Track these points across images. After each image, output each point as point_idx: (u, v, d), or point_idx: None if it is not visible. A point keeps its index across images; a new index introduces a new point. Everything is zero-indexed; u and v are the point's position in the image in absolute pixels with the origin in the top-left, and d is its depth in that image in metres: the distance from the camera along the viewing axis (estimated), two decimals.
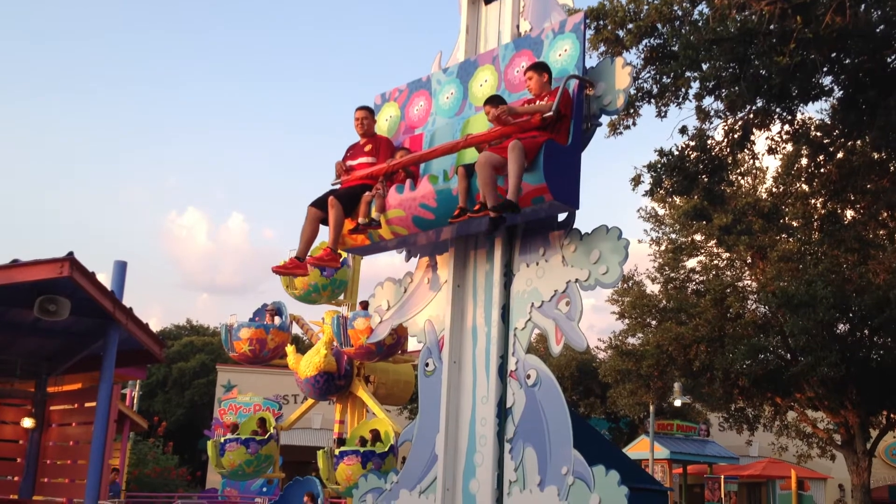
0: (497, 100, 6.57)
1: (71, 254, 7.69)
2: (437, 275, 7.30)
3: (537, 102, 6.35)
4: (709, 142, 14.99)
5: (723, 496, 28.75)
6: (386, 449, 15.61)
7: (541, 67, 6.48)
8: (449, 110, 7.34)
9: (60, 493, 9.48)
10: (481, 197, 6.08)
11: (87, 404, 9.14)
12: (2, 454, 10.14)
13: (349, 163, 7.44)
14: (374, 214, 6.84)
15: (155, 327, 10.10)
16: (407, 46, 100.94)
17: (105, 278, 8.76)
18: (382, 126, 7.82)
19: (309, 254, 7.26)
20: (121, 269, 9.52)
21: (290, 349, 17.66)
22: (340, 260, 8.06)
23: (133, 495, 23.52)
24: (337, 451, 15.81)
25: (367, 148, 7.39)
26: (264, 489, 23.43)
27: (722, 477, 29.73)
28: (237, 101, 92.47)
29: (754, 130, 14.79)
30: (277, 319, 17.44)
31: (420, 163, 7.07)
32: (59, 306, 7.77)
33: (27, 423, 9.74)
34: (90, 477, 8.08)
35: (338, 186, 7.35)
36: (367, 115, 7.57)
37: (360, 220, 6.87)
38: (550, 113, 6.15)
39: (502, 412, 6.53)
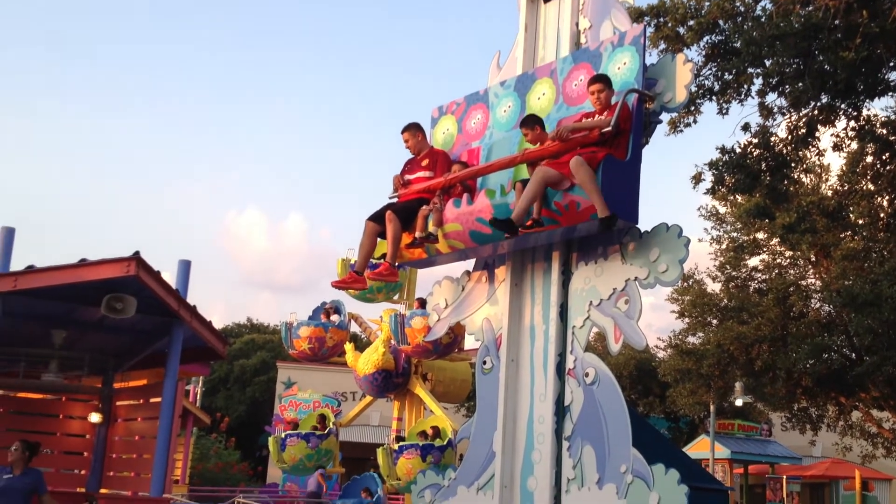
0: (532, 120, 6.59)
1: (137, 253, 7.87)
2: (495, 273, 7.32)
3: (596, 117, 6.30)
4: (772, 139, 14.75)
5: (785, 496, 28.25)
6: (445, 443, 15.69)
7: (609, 81, 6.40)
8: (506, 124, 7.32)
9: (126, 486, 9.68)
10: (535, 212, 6.12)
11: (152, 400, 9.33)
12: (69, 448, 10.41)
13: (407, 177, 7.46)
14: (431, 228, 6.87)
15: (217, 325, 10.32)
16: (472, 41, 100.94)
17: (169, 277, 8.94)
18: (439, 139, 7.83)
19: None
20: (185, 267, 9.69)
21: (348, 347, 17.83)
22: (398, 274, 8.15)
23: (196, 489, 23.93)
24: (396, 447, 15.93)
25: (425, 162, 7.39)
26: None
27: (784, 477, 29.22)
28: (295, 100, 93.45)
29: (819, 127, 14.51)
30: (336, 318, 17.63)
31: (477, 177, 7.07)
32: (125, 304, 7.95)
33: (94, 418, 9.97)
34: (155, 471, 8.26)
35: (395, 200, 7.39)
36: (411, 135, 7.57)
37: (418, 234, 6.90)
38: (609, 128, 6.10)
39: (560, 410, 6.52)
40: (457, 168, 7.17)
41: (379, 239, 7.25)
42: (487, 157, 7.26)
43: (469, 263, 7.58)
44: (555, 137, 6.28)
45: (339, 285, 7.55)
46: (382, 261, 7.28)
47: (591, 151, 6.05)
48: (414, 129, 7.60)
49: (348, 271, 16.95)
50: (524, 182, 6.27)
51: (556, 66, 7.09)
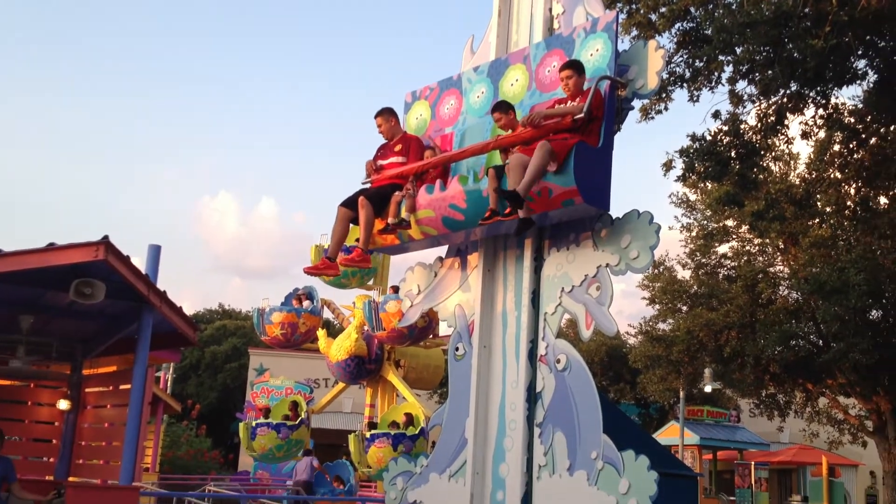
0: (503, 106, 6.59)
1: (106, 237, 7.77)
2: (468, 260, 7.31)
3: (568, 103, 6.29)
4: (742, 126, 14.86)
5: (753, 482, 28.61)
6: (417, 432, 15.70)
7: (579, 67, 6.40)
8: (479, 109, 7.29)
9: (95, 474, 9.60)
10: (492, 202, 6.12)
11: (121, 386, 9.25)
12: (38, 436, 10.30)
13: (379, 162, 7.41)
14: (403, 214, 6.84)
15: (188, 311, 10.26)
16: (441, 29, 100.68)
17: (139, 262, 8.85)
18: (412, 124, 7.79)
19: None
20: (155, 252, 9.59)
21: (321, 333, 17.79)
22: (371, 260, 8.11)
23: (167, 477, 23.82)
24: (368, 434, 15.92)
25: (398, 147, 7.36)
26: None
27: (752, 463, 29.59)
28: (268, 85, 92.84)
29: (788, 115, 14.64)
30: (308, 303, 17.55)
31: (450, 163, 7.06)
32: (94, 289, 7.85)
33: (63, 404, 9.87)
34: (125, 458, 8.18)
35: (368, 186, 7.36)
36: (384, 120, 7.52)
37: (390, 220, 6.88)
38: (581, 115, 6.10)
39: (532, 397, 6.54)
40: (429, 154, 7.14)
41: (352, 225, 7.22)
42: (460, 143, 7.24)
43: (442, 250, 7.57)
44: (526, 123, 6.28)
45: (311, 271, 7.52)
46: (356, 245, 7.25)
47: (562, 138, 6.04)
48: (387, 114, 7.56)
49: (321, 257, 16.94)
50: (496, 168, 6.26)
51: (529, 53, 7.08)
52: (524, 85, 7.01)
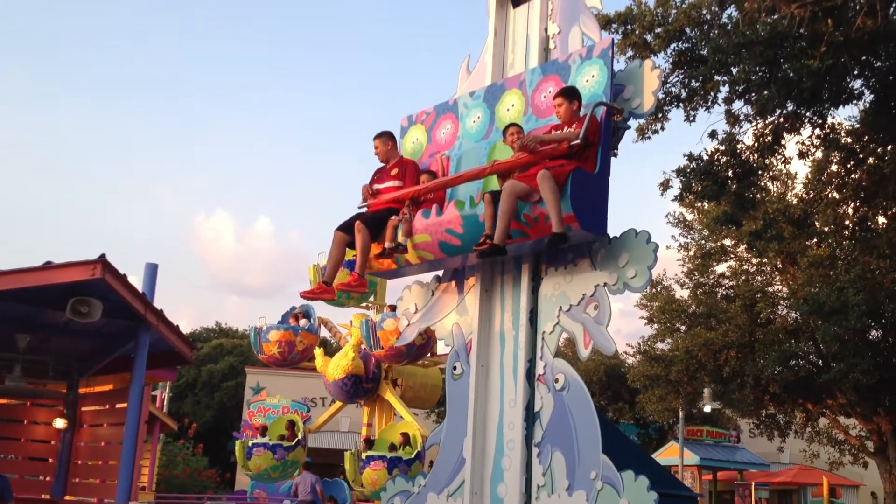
0: (515, 126, 6.58)
1: (103, 256, 7.77)
2: (465, 283, 7.30)
3: (564, 129, 6.30)
4: (738, 146, 14.89)
5: (754, 503, 28.47)
6: (413, 454, 15.61)
7: (570, 94, 6.40)
8: (475, 134, 7.31)
9: (92, 493, 9.57)
10: (487, 228, 6.11)
11: (118, 405, 9.23)
12: (34, 454, 10.26)
13: (376, 186, 7.41)
14: (400, 239, 6.84)
15: (184, 329, 10.18)
16: (437, 51, 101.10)
17: (136, 280, 8.85)
18: (409, 148, 7.80)
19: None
20: (152, 271, 9.59)
21: (318, 352, 17.72)
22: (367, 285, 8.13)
23: (163, 496, 23.70)
24: (364, 456, 15.85)
25: (394, 172, 7.36)
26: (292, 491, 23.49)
27: (752, 483, 29.47)
28: (263, 104, 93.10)
29: (784, 134, 14.68)
30: (305, 322, 17.50)
31: (446, 188, 7.06)
32: (90, 308, 7.85)
33: (59, 423, 9.84)
34: (121, 477, 8.16)
35: (364, 210, 7.36)
36: (381, 143, 7.53)
37: (387, 244, 6.87)
38: (578, 141, 6.10)
39: (530, 416, 6.52)
40: (425, 178, 7.13)
41: (348, 249, 7.22)
42: (457, 168, 7.23)
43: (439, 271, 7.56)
44: (522, 148, 6.28)
45: (307, 296, 7.53)
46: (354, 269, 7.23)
47: (559, 164, 6.03)
48: (385, 138, 7.57)
49: (318, 281, 16.90)
50: (493, 193, 6.26)
51: (525, 78, 7.09)
52: (520, 110, 7.01)
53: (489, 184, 6.83)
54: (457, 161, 7.32)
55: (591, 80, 6.52)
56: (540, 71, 6.99)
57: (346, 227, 7.11)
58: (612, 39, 6.59)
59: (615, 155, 6.42)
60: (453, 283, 7.36)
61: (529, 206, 6.03)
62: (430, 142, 7.67)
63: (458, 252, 6.63)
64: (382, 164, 7.57)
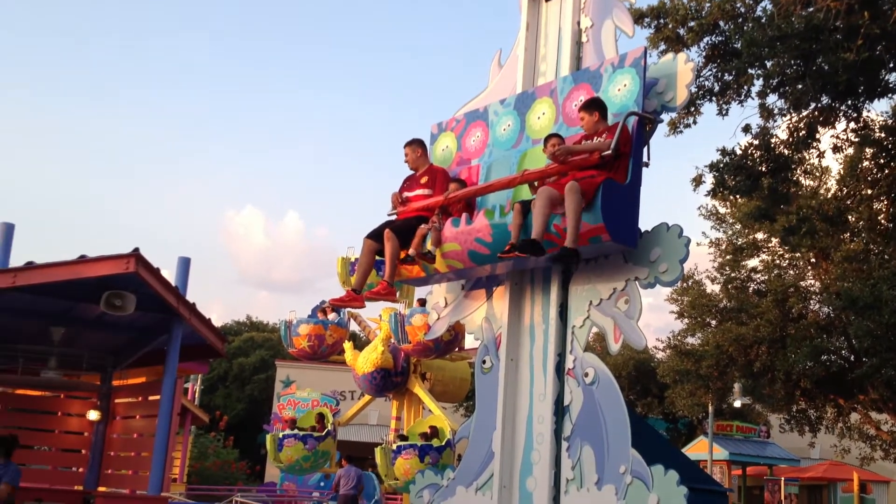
0: (559, 137, 6.52)
1: (136, 250, 7.84)
2: (493, 291, 7.29)
3: (595, 139, 6.25)
4: (772, 140, 14.76)
5: (783, 498, 28.26)
6: (444, 442, 15.65)
7: (590, 106, 6.38)
8: (506, 142, 7.28)
9: (124, 484, 9.66)
10: (513, 237, 6.10)
11: (150, 398, 9.31)
12: (68, 446, 10.38)
13: (405, 194, 7.42)
14: (429, 247, 6.84)
15: (216, 323, 10.25)
16: (467, 49, 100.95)
17: (169, 275, 8.90)
18: (438, 156, 7.80)
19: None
20: (184, 265, 9.66)
21: (347, 346, 17.79)
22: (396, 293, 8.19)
23: (194, 488, 23.92)
24: (394, 446, 15.90)
25: (424, 180, 7.36)
26: (322, 483, 23.64)
27: (782, 479, 29.23)
28: (293, 101, 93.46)
29: (819, 128, 14.52)
30: (335, 316, 17.57)
31: (476, 196, 7.05)
32: (124, 301, 7.92)
33: (93, 415, 9.94)
34: (153, 469, 8.23)
35: (394, 217, 7.36)
36: (411, 150, 7.54)
37: (412, 251, 6.87)
38: (609, 151, 6.06)
39: (559, 410, 6.51)
40: (455, 186, 7.11)
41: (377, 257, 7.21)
42: (487, 176, 7.23)
43: None
44: (553, 158, 6.25)
45: (337, 303, 7.55)
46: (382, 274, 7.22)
47: (590, 175, 6.00)
48: (415, 145, 7.57)
49: (346, 273, 16.94)
50: (523, 203, 6.24)
51: (556, 86, 7.06)
52: (551, 118, 6.98)
53: (519, 193, 6.80)
54: (487, 169, 7.29)
55: (622, 90, 6.47)
56: (571, 79, 6.95)
57: (376, 235, 7.11)
58: (645, 49, 6.50)
59: (647, 165, 6.35)
60: (484, 277, 7.34)
61: (559, 216, 5.99)
62: (460, 149, 7.66)
63: (487, 261, 6.61)
64: (412, 172, 7.56)
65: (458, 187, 7.07)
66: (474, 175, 7.35)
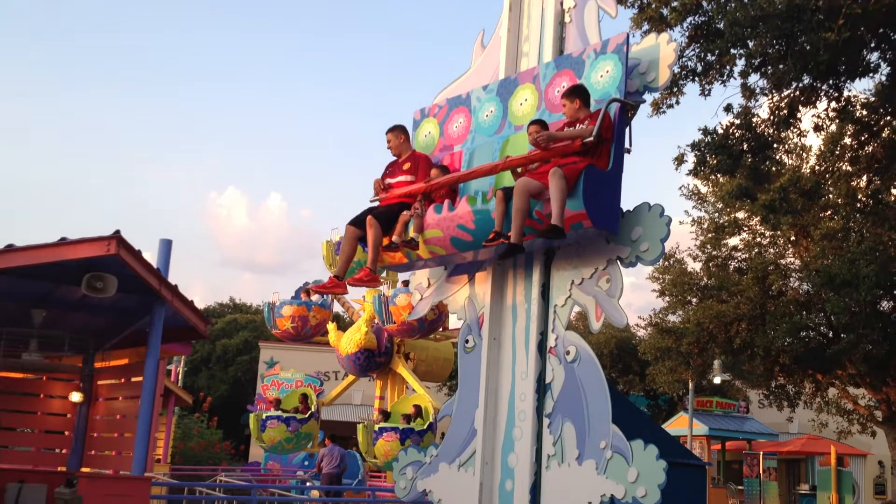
0: (539, 122, 6.51)
1: (117, 232, 7.81)
2: (476, 276, 7.32)
3: (577, 126, 6.26)
4: (754, 120, 14.82)
5: (762, 472, 28.58)
6: (425, 426, 15.74)
7: (572, 94, 6.39)
8: (488, 128, 7.28)
9: (108, 465, 9.66)
10: (497, 225, 6.12)
11: (133, 379, 9.30)
12: (51, 427, 10.36)
13: (388, 180, 7.40)
14: (412, 234, 6.83)
15: (199, 305, 10.25)
16: (451, 30, 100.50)
17: (150, 257, 8.88)
18: (421, 142, 7.78)
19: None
20: (166, 247, 9.62)
21: (331, 326, 17.84)
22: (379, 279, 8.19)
23: (178, 468, 23.94)
24: (376, 427, 15.98)
25: (406, 166, 7.34)
26: (306, 462, 23.71)
27: (761, 453, 29.55)
28: (274, 82, 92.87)
29: (800, 108, 14.60)
30: (318, 297, 17.60)
31: (459, 183, 7.05)
32: (105, 283, 7.89)
33: (75, 397, 9.93)
34: (137, 450, 8.24)
35: (376, 204, 7.35)
36: (394, 136, 7.50)
37: (395, 238, 6.87)
38: (591, 138, 6.08)
39: (541, 388, 6.57)
40: (437, 172, 7.10)
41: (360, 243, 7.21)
42: (469, 162, 7.22)
43: None
44: (535, 145, 6.27)
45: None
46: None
47: (572, 162, 6.02)
48: (397, 131, 7.52)
49: (331, 256, 16.94)
50: (505, 190, 6.25)
51: (538, 72, 7.04)
52: (533, 105, 6.98)
53: (502, 179, 6.81)
54: (469, 155, 7.29)
55: (605, 76, 6.47)
56: (554, 65, 6.95)
57: (358, 222, 7.10)
58: (627, 35, 6.48)
59: (629, 151, 6.37)
60: (465, 278, 7.35)
61: (542, 203, 6.02)
62: (443, 135, 7.64)
63: (469, 248, 6.62)
64: (395, 158, 7.55)
65: (441, 174, 7.06)
66: (457, 161, 7.35)
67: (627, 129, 6.38)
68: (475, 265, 7.25)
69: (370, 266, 6.98)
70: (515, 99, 7.13)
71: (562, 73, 6.82)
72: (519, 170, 6.47)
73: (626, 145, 6.34)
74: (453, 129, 7.57)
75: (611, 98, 6.28)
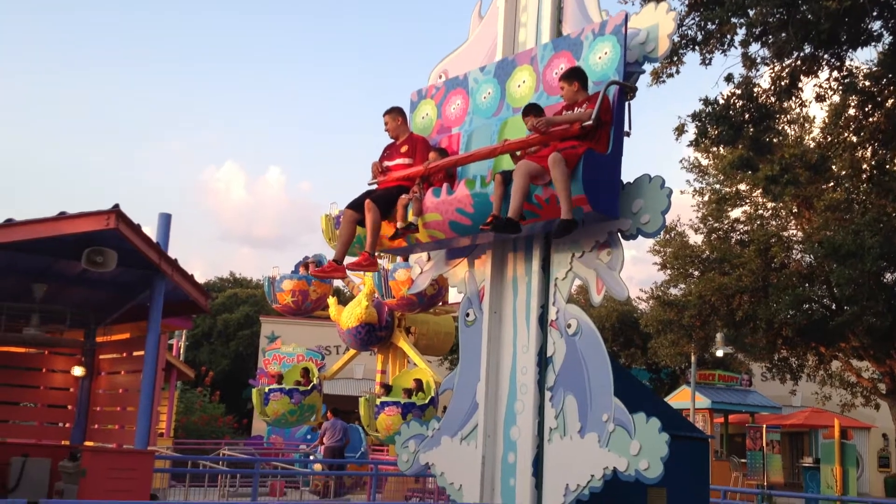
0: (534, 109, 6.46)
1: (116, 206, 7.78)
2: (476, 258, 7.29)
3: (576, 110, 6.21)
4: (755, 90, 14.73)
5: (764, 445, 28.69)
6: (427, 400, 15.78)
7: (570, 77, 6.33)
8: (486, 111, 7.23)
9: (111, 439, 9.70)
10: (495, 208, 6.08)
11: (135, 353, 9.31)
12: (53, 401, 10.40)
13: (385, 163, 7.35)
14: (410, 218, 6.80)
15: (199, 280, 10.21)
16: (448, 3, 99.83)
17: (150, 232, 8.85)
18: (418, 124, 7.73)
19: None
20: (165, 221, 9.58)
21: (331, 301, 17.85)
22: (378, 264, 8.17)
23: (181, 442, 24.08)
24: (378, 401, 16.03)
25: (404, 149, 7.29)
26: (308, 436, 23.84)
27: (764, 426, 29.62)
28: (272, 55, 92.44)
29: (802, 77, 14.50)
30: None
31: (457, 166, 7.00)
32: (105, 258, 7.88)
33: (77, 371, 9.96)
34: (140, 423, 8.26)
35: (374, 187, 7.30)
36: (391, 119, 7.45)
37: (399, 224, 6.84)
38: (590, 122, 6.02)
39: (543, 361, 6.57)
40: (435, 155, 7.05)
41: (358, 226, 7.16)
42: (467, 145, 7.18)
43: None
44: (534, 130, 6.21)
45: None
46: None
47: (571, 146, 5.98)
48: (395, 113, 7.47)
49: (330, 230, 16.92)
50: (504, 173, 6.21)
51: (536, 54, 6.99)
52: (531, 87, 6.92)
53: (500, 162, 6.77)
54: (467, 137, 7.24)
55: (603, 58, 6.41)
56: (552, 46, 6.88)
57: (356, 206, 7.05)
58: (626, 15, 6.41)
59: (628, 134, 6.31)
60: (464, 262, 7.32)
61: (540, 187, 5.99)
62: (441, 117, 7.59)
63: (468, 232, 6.59)
64: (392, 140, 7.49)
65: (439, 157, 7.01)
66: (455, 143, 7.31)
67: (626, 112, 6.33)
68: (474, 249, 7.22)
69: (369, 250, 6.95)
70: (513, 80, 7.08)
71: (560, 55, 6.76)
72: (518, 153, 6.43)
73: (626, 128, 6.30)
74: (451, 110, 7.52)
75: (609, 80, 6.22)
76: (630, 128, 6.32)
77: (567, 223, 5.80)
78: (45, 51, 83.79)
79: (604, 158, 6.06)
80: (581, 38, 6.64)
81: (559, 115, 6.29)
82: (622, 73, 6.27)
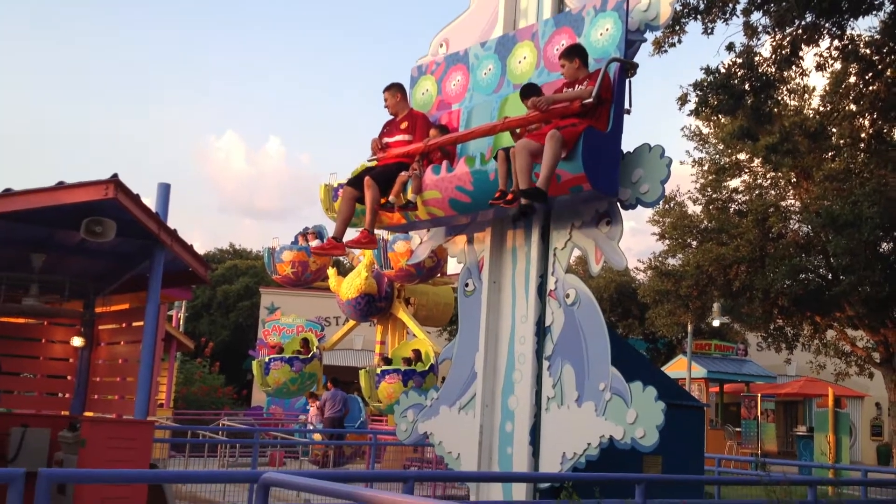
0: (531, 89, 6.42)
1: (115, 176, 7.76)
2: (475, 236, 7.28)
3: (576, 87, 6.18)
4: (756, 59, 14.67)
5: (759, 414, 28.88)
6: (426, 368, 15.86)
7: (571, 54, 6.29)
8: (487, 87, 7.18)
9: (111, 409, 9.72)
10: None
11: (134, 324, 9.31)
12: (53, 372, 10.41)
13: (385, 140, 7.31)
14: (409, 195, 6.78)
15: (199, 251, 10.18)
16: None
17: (149, 201, 8.83)
18: (418, 100, 7.68)
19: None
20: (164, 191, 9.56)
21: (331, 272, 17.88)
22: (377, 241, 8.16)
23: (181, 412, 24.18)
24: (378, 370, 16.10)
25: (404, 125, 7.26)
26: (308, 407, 23.95)
27: (759, 395, 29.82)
28: (273, 24, 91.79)
29: (803, 46, 14.43)
30: (318, 242, 17.60)
31: (457, 143, 6.97)
32: (104, 228, 7.85)
33: (77, 341, 9.95)
34: (139, 393, 8.28)
35: (374, 164, 7.27)
36: (391, 95, 7.40)
37: (392, 198, 6.81)
38: (590, 99, 5.99)
39: (541, 331, 6.59)
40: (435, 132, 7.02)
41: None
42: (467, 121, 7.15)
43: None
44: (534, 107, 6.17)
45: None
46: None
47: (571, 123, 5.96)
48: (394, 90, 7.43)
49: (329, 200, 16.89)
50: (506, 150, 6.19)
51: (537, 29, 6.94)
52: (532, 63, 6.88)
53: (500, 140, 6.74)
54: (468, 114, 7.20)
55: (604, 34, 6.37)
56: (553, 23, 6.83)
57: (356, 182, 7.03)
58: None
59: (628, 112, 6.28)
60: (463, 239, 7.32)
61: (538, 165, 5.96)
62: (441, 93, 7.55)
63: (468, 209, 6.58)
64: (392, 117, 7.45)
65: (439, 133, 6.98)
66: (455, 120, 7.27)
67: (627, 89, 6.30)
68: (474, 226, 7.21)
69: (368, 228, 6.93)
70: (514, 57, 7.04)
71: (561, 31, 6.72)
72: (518, 130, 6.41)
73: (626, 105, 6.27)
74: (451, 86, 7.47)
75: (610, 58, 6.19)
76: (630, 105, 6.30)
77: (537, 192, 5.78)
78: (44, 18, 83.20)
79: (604, 136, 6.04)
80: (582, 13, 6.60)
81: (559, 92, 6.26)
82: (623, 50, 6.24)
